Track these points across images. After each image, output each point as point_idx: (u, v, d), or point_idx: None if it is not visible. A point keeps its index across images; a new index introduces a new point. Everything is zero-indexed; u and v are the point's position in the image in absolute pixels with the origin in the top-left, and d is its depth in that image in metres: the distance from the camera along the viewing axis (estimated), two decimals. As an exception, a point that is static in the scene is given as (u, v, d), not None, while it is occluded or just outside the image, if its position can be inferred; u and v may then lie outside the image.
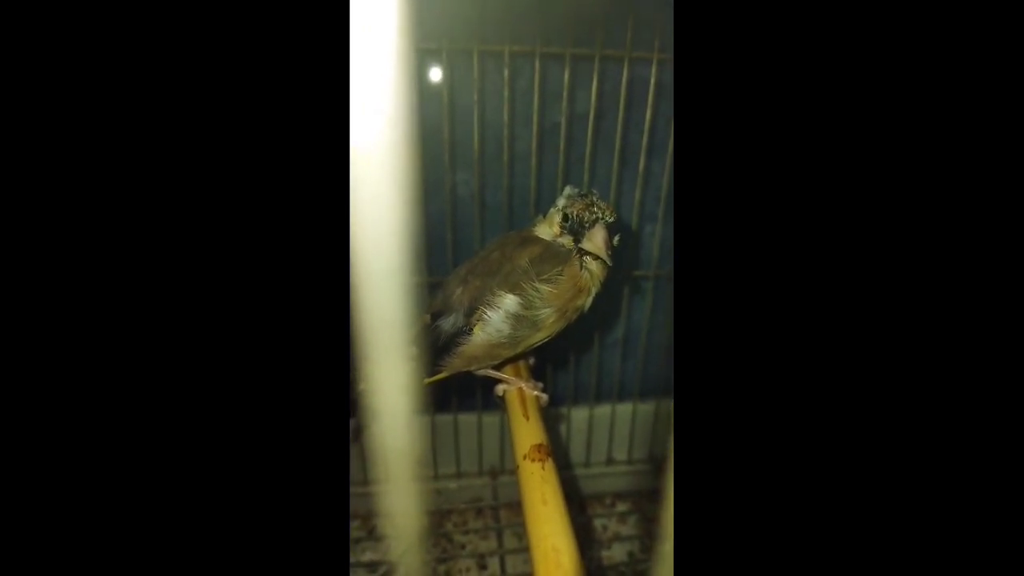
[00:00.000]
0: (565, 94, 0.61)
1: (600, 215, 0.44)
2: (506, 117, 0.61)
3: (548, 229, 0.47)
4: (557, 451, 0.43)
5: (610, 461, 0.84)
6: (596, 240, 0.44)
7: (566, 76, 0.60)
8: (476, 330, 0.45)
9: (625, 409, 0.81)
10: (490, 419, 0.78)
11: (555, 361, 0.77)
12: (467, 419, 0.78)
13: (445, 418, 0.77)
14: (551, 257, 0.45)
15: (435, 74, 0.61)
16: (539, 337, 0.46)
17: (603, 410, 0.80)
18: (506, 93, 0.60)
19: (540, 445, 0.42)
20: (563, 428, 0.81)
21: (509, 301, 0.44)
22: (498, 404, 0.51)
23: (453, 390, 0.76)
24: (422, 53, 0.60)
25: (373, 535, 0.77)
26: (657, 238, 0.72)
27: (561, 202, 0.46)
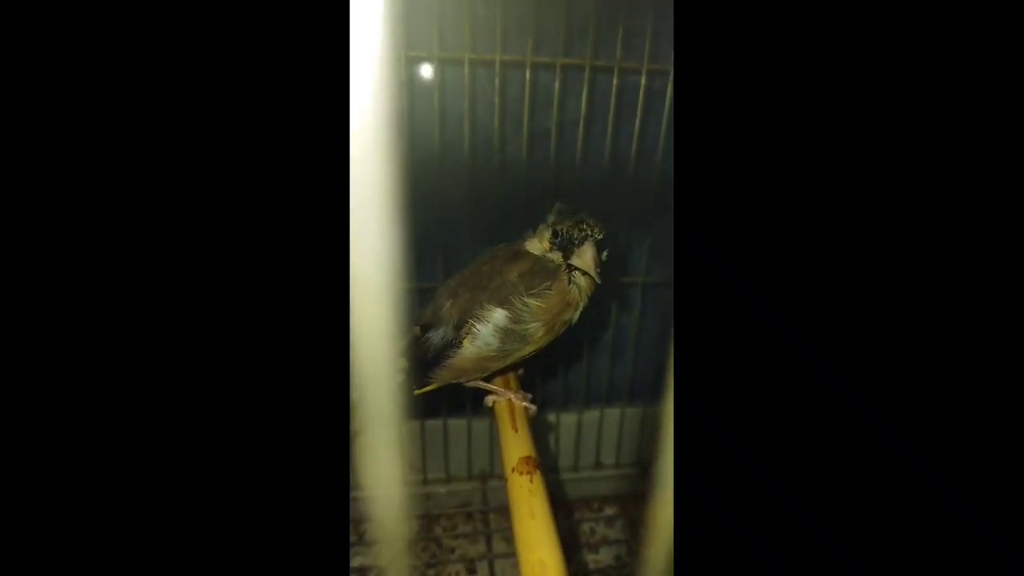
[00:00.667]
0: (555, 102, 0.61)
1: (589, 232, 0.45)
2: (496, 124, 0.61)
3: (538, 244, 0.47)
4: (545, 456, 0.43)
5: (598, 465, 0.85)
6: (586, 258, 0.44)
7: (556, 85, 0.61)
8: (465, 343, 0.45)
9: (613, 413, 0.81)
10: (479, 424, 0.78)
11: (545, 367, 0.78)
12: (457, 424, 0.78)
13: (435, 423, 0.77)
14: (540, 272, 0.45)
15: (426, 71, 0.61)
16: (528, 350, 0.46)
17: (591, 415, 0.81)
18: (497, 100, 0.60)
19: (528, 458, 0.42)
20: (552, 433, 0.82)
21: (498, 315, 0.44)
22: (487, 412, 0.52)
23: (443, 396, 0.76)
24: (412, 61, 0.60)
25: (363, 540, 0.78)
26: (646, 244, 0.72)
27: (551, 218, 0.47)
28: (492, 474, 0.82)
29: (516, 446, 0.44)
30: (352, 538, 0.76)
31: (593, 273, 0.44)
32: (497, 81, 0.59)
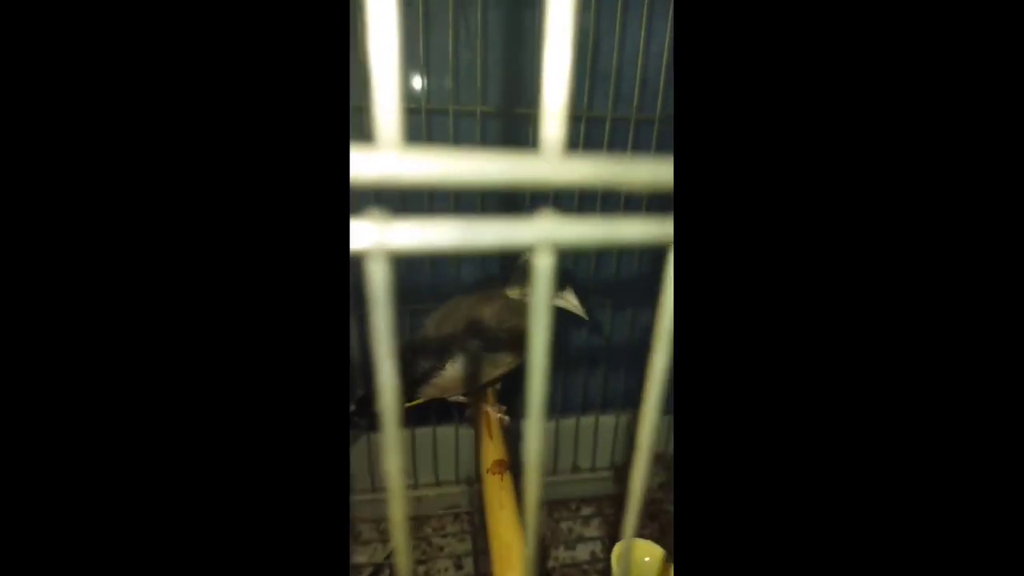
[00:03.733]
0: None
1: (567, 280, 0.53)
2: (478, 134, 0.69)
3: (519, 291, 0.55)
4: (522, 462, 0.51)
5: (575, 469, 0.92)
6: (571, 300, 0.53)
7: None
8: (448, 366, 0.53)
9: (588, 422, 0.89)
10: (466, 432, 0.86)
11: (525, 379, 0.85)
12: (445, 432, 0.85)
13: (425, 431, 0.85)
14: (510, 310, 0.54)
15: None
16: (499, 373, 0.55)
17: (568, 423, 0.89)
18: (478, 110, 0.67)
19: (500, 461, 0.50)
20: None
21: (474, 345, 0.53)
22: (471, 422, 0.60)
23: (432, 407, 0.83)
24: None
25: (358, 540, 0.85)
26: (612, 270, 0.80)
27: (526, 269, 0.55)
28: (477, 478, 0.89)
29: (490, 451, 0.52)
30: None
31: (582, 313, 0.53)
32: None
